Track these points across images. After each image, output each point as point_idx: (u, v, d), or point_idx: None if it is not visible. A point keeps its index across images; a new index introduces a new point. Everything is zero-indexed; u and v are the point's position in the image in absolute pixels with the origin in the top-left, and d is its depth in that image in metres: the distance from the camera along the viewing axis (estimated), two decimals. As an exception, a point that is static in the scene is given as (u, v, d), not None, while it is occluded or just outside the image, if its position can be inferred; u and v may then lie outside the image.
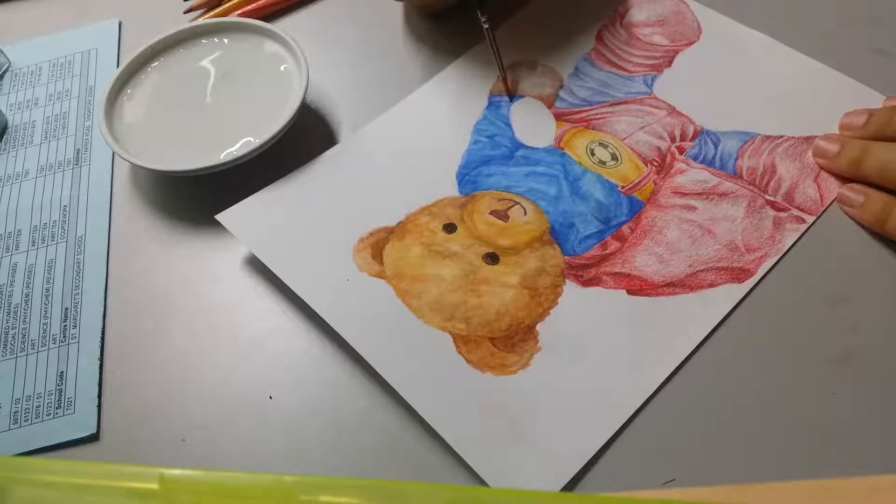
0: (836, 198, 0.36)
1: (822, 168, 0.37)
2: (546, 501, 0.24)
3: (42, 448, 0.33)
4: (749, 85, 0.41)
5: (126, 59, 0.43)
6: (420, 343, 0.33)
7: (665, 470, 0.30)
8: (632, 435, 0.31)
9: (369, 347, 0.33)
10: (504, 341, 0.33)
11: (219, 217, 0.37)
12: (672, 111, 0.40)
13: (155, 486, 0.22)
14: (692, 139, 0.39)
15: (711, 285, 0.34)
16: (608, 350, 0.32)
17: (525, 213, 0.37)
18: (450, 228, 0.37)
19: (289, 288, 0.35)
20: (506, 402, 0.31)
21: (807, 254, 0.35)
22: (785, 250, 0.35)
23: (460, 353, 0.33)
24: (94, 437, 0.33)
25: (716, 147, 0.39)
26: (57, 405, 0.34)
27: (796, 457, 0.30)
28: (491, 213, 0.37)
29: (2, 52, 0.48)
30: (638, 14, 0.45)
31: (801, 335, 0.33)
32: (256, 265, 0.37)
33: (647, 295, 0.34)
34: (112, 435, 0.33)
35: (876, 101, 0.39)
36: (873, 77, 0.40)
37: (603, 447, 0.30)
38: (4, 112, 0.46)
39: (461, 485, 0.29)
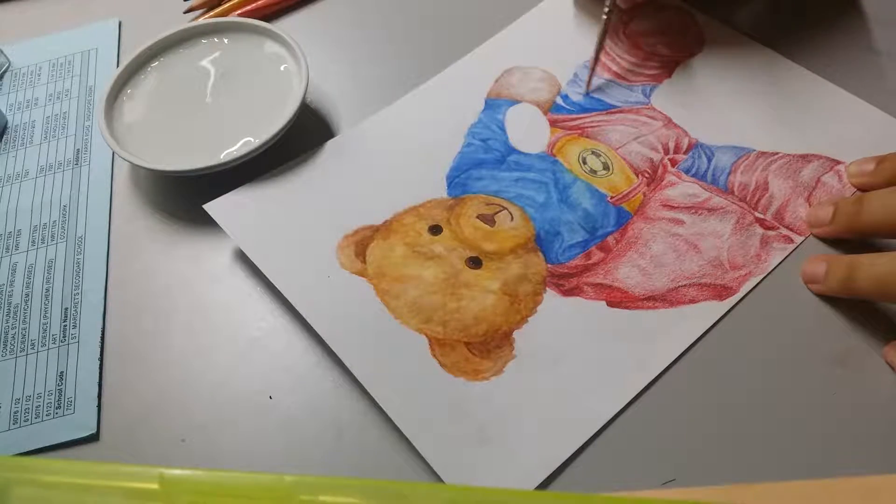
0: (801, 278, 0.34)
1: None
2: (545, 501, 0.24)
3: (42, 448, 0.33)
4: (747, 99, 0.41)
5: (126, 59, 0.43)
6: (395, 344, 0.33)
7: (665, 470, 0.30)
8: (632, 435, 0.31)
9: (343, 344, 0.33)
10: (479, 347, 0.33)
11: (206, 207, 0.37)
12: (668, 122, 0.40)
13: (155, 486, 0.22)
14: (686, 152, 0.39)
15: (692, 301, 0.34)
16: (582, 361, 0.32)
17: (512, 219, 0.37)
18: (435, 230, 0.37)
19: (289, 288, 0.35)
20: (476, 408, 0.31)
21: (807, 254, 0.35)
22: (769, 270, 0.34)
23: (435, 356, 0.33)
24: (94, 437, 0.33)
25: (709, 161, 0.38)
26: (57, 405, 0.34)
27: (796, 457, 0.30)
28: (478, 216, 0.37)
29: (2, 52, 0.48)
30: (642, 23, 0.45)
31: (800, 335, 0.33)
32: (256, 265, 0.37)
33: (626, 307, 0.34)
34: (112, 435, 0.33)
35: (878, 117, 0.39)
36: (873, 78, 0.40)
37: (603, 447, 0.30)
38: (4, 112, 0.46)
39: (461, 485, 0.29)
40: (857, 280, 0.32)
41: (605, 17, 0.41)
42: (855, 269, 0.32)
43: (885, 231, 0.33)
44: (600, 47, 0.41)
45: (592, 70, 0.42)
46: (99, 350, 0.35)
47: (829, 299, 0.33)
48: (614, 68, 0.43)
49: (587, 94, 0.41)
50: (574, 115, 0.41)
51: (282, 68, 0.42)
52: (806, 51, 0.42)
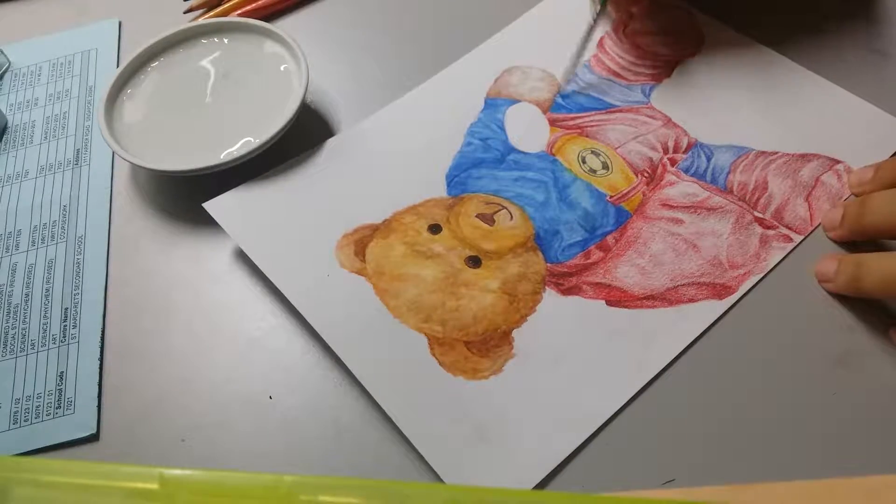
0: (815, 276, 0.34)
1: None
2: (546, 501, 0.24)
3: (42, 448, 0.33)
4: (747, 98, 0.41)
5: (126, 59, 0.43)
6: (394, 343, 0.33)
7: (665, 470, 0.30)
8: (632, 435, 0.31)
9: (342, 344, 0.33)
10: (479, 346, 0.33)
11: (206, 205, 0.37)
12: (667, 122, 0.40)
13: (155, 486, 0.22)
14: (685, 151, 0.39)
15: (691, 300, 0.34)
16: (582, 361, 0.32)
17: (511, 219, 0.37)
18: (435, 229, 0.37)
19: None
20: (475, 407, 0.31)
21: (807, 253, 0.35)
22: (769, 269, 0.34)
23: (434, 355, 0.33)
24: (94, 437, 0.33)
25: (708, 160, 0.38)
26: (57, 405, 0.34)
27: (796, 457, 0.30)
28: (477, 216, 0.37)
29: (2, 52, 0.48)
30: (642, 23, 0.45)
31: (800, 335, 0.33)
32: (255, 264, 0.37)
33: (625, 307, 0.34)
34: (112, 435, 0.33)
35: (877, 116, 0.39)
36: (873, 78, 0.40)
37: (603, 447, 0.30)
38: (4, 112, 0.46)
39: (461, 484, 0.29)
40: (864, 279, 0.32)
41: (596, 13, 0.43)
42: (861, 268, 0.32)
43: (886, 233, 0.33)
44: (585, 41, 0.43)
45: (576, 61, 0.42)
46: (99, 350, 0.35)
47: (829, 299, 0.33)
48: (614, 67, 0.43)
49: (565, 93, 0.42)
50: (573, 115, 0.41)
51: (282, 68, 0.42)
52: (805, 50, 0.42)
